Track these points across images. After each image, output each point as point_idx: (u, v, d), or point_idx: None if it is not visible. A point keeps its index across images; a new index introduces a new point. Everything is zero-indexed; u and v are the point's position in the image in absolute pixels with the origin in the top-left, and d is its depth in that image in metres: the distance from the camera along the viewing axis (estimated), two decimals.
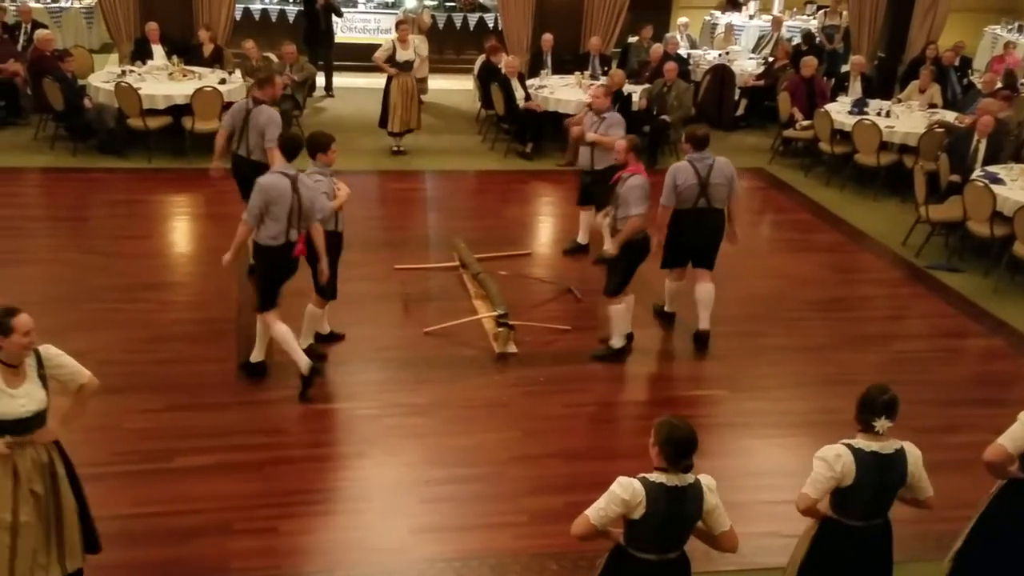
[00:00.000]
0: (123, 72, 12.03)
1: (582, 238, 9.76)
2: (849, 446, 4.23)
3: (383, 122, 12.25)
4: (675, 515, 3.98)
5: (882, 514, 4.39)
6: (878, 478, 4.23)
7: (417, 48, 12.95)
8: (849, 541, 4.35)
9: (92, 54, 14.18)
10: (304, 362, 6.80)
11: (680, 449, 3.96)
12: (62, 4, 16.67)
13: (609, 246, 7.44)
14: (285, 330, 6.84)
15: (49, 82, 11.30)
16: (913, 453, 4.30)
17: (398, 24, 12.51)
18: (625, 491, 3.96)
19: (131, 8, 13.25)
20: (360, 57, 16.11)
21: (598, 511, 4.00)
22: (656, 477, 3.99)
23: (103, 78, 11.94)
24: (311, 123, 12.69)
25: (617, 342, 7.68)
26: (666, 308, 8.33)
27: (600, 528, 4.05)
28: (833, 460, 4.21)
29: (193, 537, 5.42)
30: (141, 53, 12.78)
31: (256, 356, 7.13)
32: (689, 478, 4.00)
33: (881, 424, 4.21)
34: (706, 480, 4.06)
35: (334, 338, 7.60)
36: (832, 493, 4.28)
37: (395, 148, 12.40)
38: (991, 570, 4.79)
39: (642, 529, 4.01)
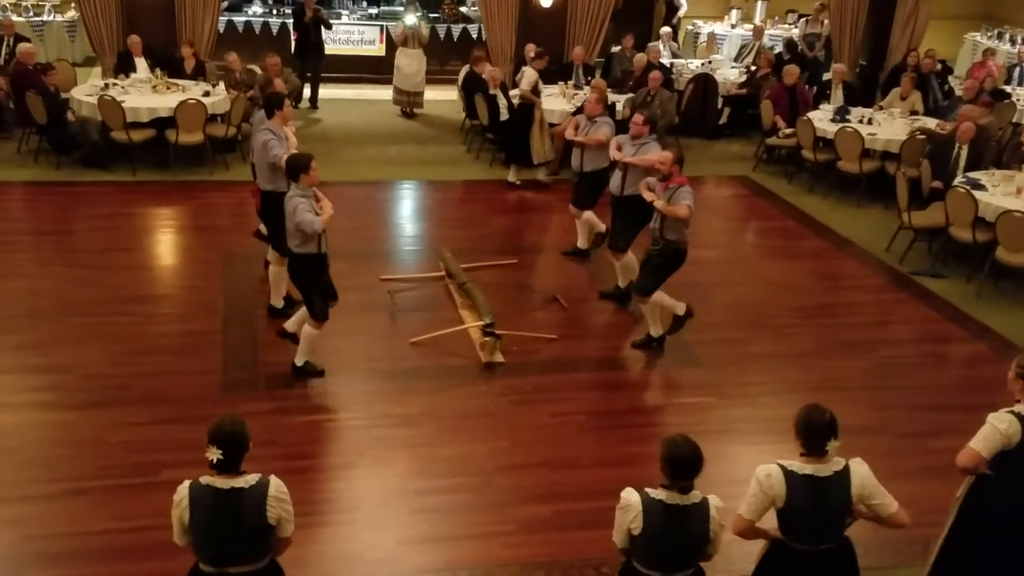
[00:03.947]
0: (106, 85, 12.00)
1: (581, 243, 9.77)
2: (782, 467, 4.03)
3: (523, 152, 11.92)
4: (676, 535, 3.86)
5: (832, 538, 4.12)
6: (813, 502, 4.00)
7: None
8: (796, 565, 4.11)
9: (75, 67, 14.14)
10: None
11: (677, 468, 3.84)
12: (45, 18, 16.64)
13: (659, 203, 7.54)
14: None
15: (32, 96, 11.27)
16: (859, 472, 4.05)
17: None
18: (623, 502, 3.91)
19: (114, 21, 13.22)
20: (345, 69, 16.13)
21: (615, 529, 3.95)
22: (656, 493, 3.89)
23: (86, 91, 11.90)
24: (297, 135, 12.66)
25: (655, 331, 7.96)
26: (620, 284, 8.79)
27: (619, 544, 3.98)
28: (764, 479, 4.03)
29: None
30: (124, 66, 12.75)
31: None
32: (693, 497, 3.88)
33: (832, 445, 4.01)
34: (714, 500, 3.94)
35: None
36: (777, 515, 4.08)
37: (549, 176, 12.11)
38: (972, 567, 4.80)
39: (642, 545, 3.90)
